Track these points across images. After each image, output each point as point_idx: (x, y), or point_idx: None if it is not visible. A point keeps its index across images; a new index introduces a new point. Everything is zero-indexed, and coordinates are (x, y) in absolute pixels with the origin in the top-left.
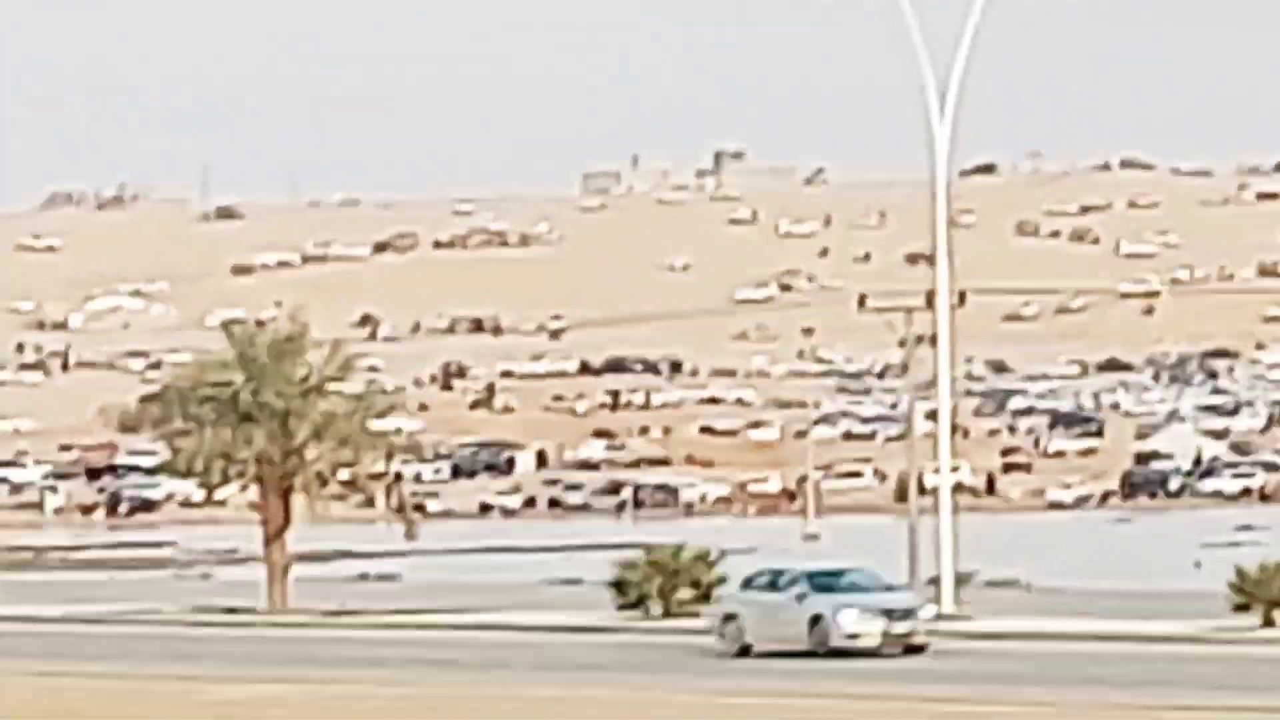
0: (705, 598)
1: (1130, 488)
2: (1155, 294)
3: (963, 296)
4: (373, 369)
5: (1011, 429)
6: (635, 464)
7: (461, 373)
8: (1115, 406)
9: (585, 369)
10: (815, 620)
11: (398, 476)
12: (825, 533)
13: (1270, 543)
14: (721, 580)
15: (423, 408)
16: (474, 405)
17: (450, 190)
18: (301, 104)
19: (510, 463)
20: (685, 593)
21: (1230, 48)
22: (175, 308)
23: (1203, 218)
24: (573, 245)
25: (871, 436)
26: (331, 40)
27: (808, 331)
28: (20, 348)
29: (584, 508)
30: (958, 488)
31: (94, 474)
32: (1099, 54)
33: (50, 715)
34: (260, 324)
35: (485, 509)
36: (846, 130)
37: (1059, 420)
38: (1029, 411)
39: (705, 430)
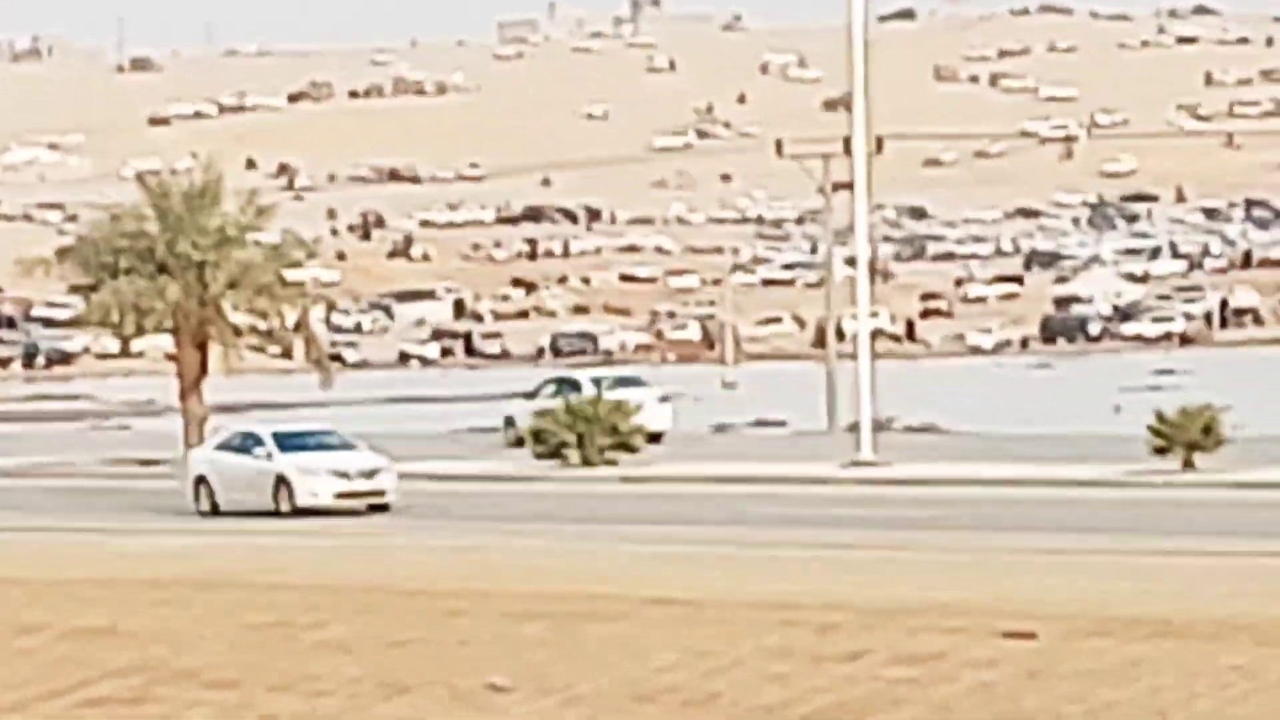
0: (623, 446)
1: (1050, 333)
2: (1073, 139)
3: (880, 143)
4: (287, 218)
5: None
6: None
7: (380, 222)
8: (1034, 252)
9: (503, 218)
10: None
11: (311, 323)
12: (744, 380)
13: (1190, 387)
14: (638, 431)
15: (340, 257)
16: (392, 255)
17: (367, 40)
18: None
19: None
20: (604, 440)
21: None
22: (91, 160)
23: (1121, 61)
24: (490, 94)
25: (790, 283)
26: None
27: (725, 178)
28: None
29: (503, 356)
30: (877, 334)
31: (11, 327)
32: None
33: None
34: (175, 174)
35: (404, 358)
36: None
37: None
38: (949, 257)
39: (624, 278)
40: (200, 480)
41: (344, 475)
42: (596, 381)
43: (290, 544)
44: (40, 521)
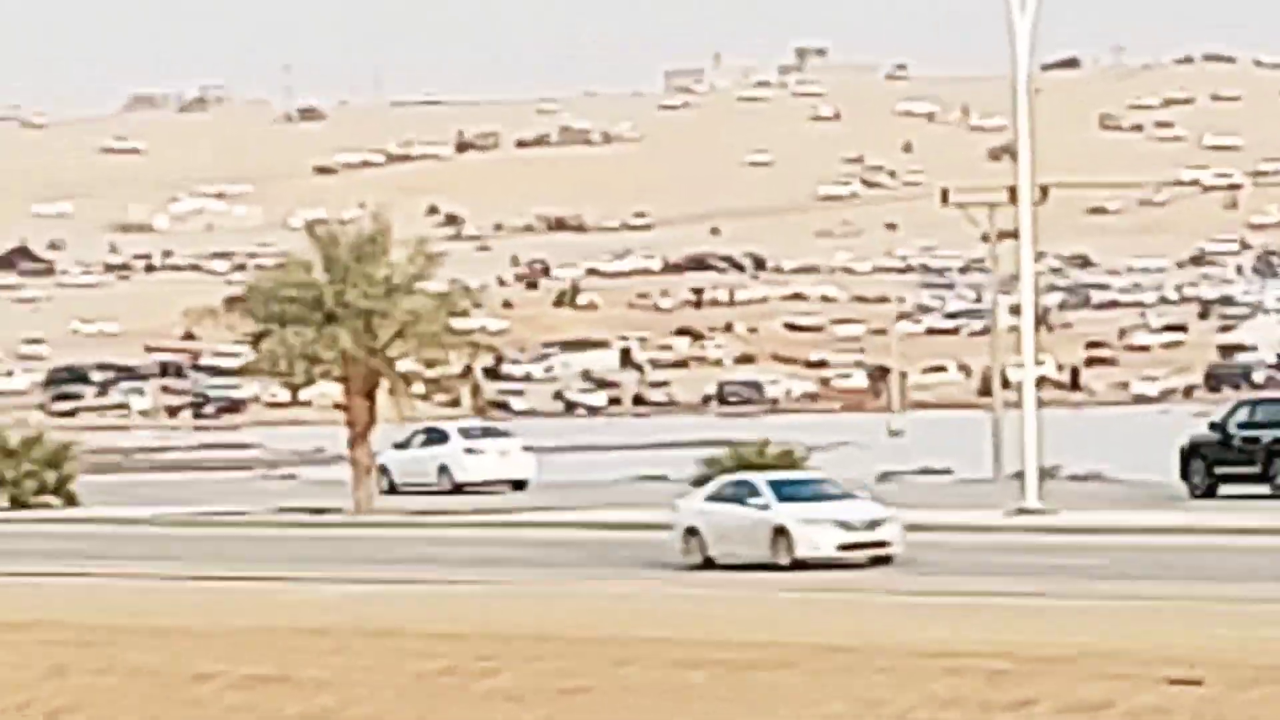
0: None
1: (1215, 381)
2: (1238, 187)
3: (1045, 191)
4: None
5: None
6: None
7: (546, 271)
8: (1201, 300)
9: (669, 267)
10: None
11: (475, 372)
12: (910, 428)
13: None
14: None
15: (507, 306)
16: (558, 303)
17: (533, 89)
18: (385, 3)
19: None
20: None
21: None
22: (259, 209)
23: None
24: (655, 143)
25: (955, 332)
26: None
27: (890, 227)
28: (113, 248)
29: (669, 404)
30: (1041, 382)
31: (179, 376)
32: None
33: (134, 615)
34: (343, 223)
35: (570, 407)
36: (928, 26)
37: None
38: (1113, 305)
39: (789, 326)
40: (691, 532)
41: (847, 526)
42: (464, 431)
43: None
44: (233, 570)
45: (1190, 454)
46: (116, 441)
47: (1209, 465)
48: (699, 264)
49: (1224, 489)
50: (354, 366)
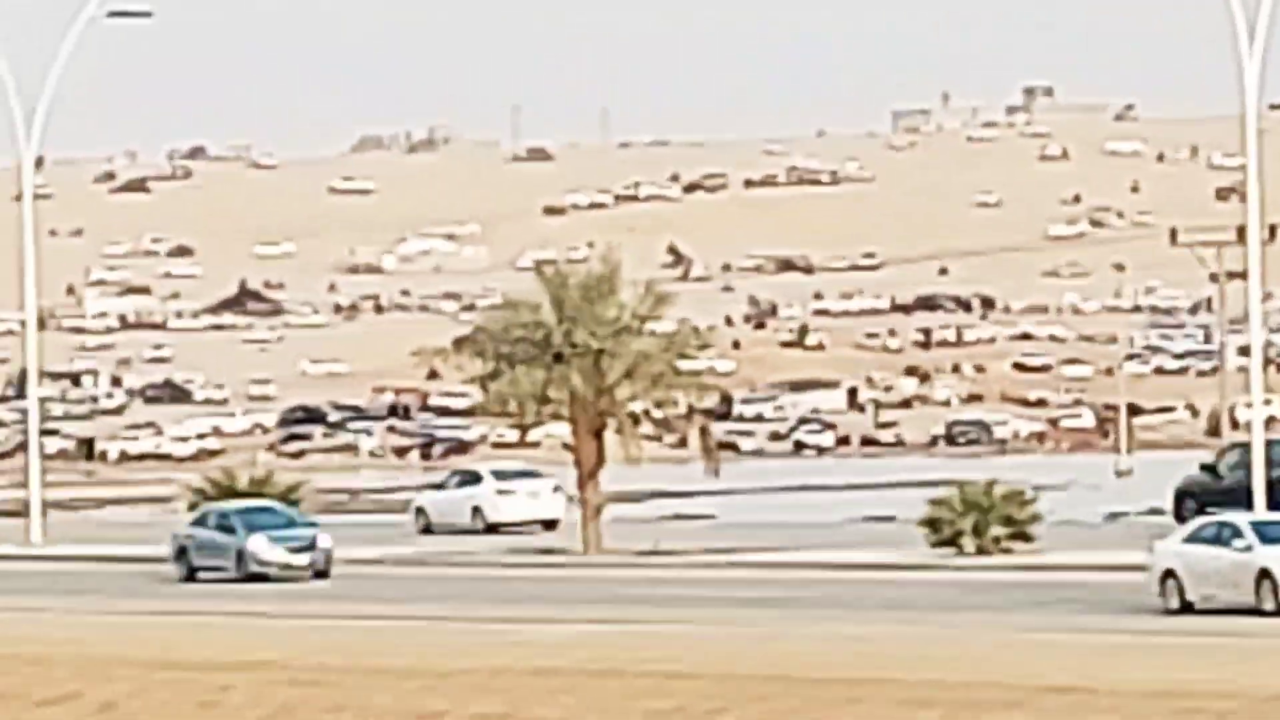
0: (1020, 535)
1: None
2: None
3: (1274, 230)
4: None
5: None
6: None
7: (774, 311)
8: None
9: (896, 307)
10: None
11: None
12: (1138, 468)
13: None
14: (1034, 519)
15: (735, 346)
16: (786, 344)
17: (760, 130)
18: (612, 44)
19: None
20: (998, 530)
21: None
22: (487, 249)
23: None
24: (883, 183)
25: (1184, 372)
26: None
27: (1118, 267)
28: (333, 287)
29: (898, 444)
30: (1270, 422)
31: (406, 416)
32: None
33: (367, 656)
34: (572, 264)
35: (799, 447)
36: (1156, 66)
37: None
38: None
39: (1017, 366)
40: (1168, 575)
41: None
42: (497, 473)
43: None
44: (463, 611)
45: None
46: (345, 482)
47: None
48: (927, 304)
49: None
50: (582, 407)
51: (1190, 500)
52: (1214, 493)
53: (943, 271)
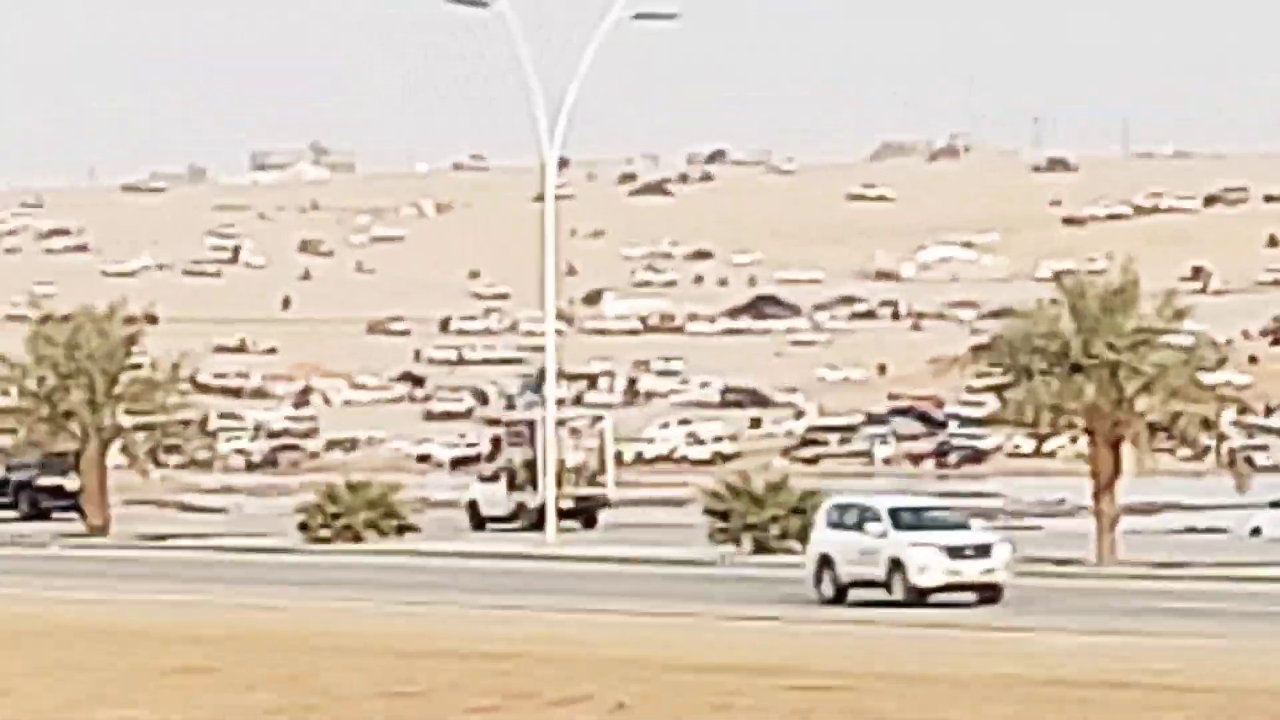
0: None
1: None
2: None
3: None
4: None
5: None
6: None
7: None
8: None
9: None
10: None
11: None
12: None
13: None
14: None
15: (1252, 360)
16: None
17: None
18: (1135, 55)
19: None
20: None
21: None
22: (1006, 258)
23: None
24: None
25: None
26: None
27: None
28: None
29: None
30: None
31: (926, 424)
32: None
33: (880, 663)
34: (1092, 275)
35: None
36: None
37: None
38: None
39: None
40: None
41: None
42: None
43: None
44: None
45: None
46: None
47: None
48: None
49: None
50: (1099, 418)
51: None
52: None
53: None
